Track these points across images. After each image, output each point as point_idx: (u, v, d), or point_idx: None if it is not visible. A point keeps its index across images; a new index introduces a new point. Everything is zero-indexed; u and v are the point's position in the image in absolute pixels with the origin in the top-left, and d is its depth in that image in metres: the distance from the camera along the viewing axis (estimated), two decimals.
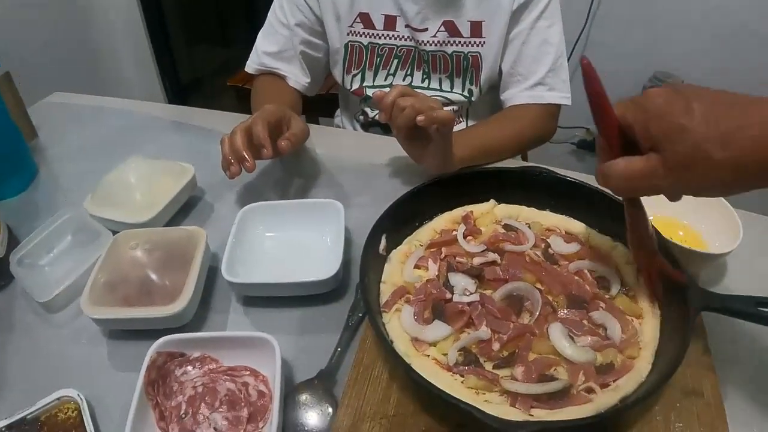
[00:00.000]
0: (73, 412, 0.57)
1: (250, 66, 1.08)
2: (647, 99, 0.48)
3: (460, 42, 0.99)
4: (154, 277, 0.69)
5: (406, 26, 1.00)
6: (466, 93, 1.05)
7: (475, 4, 0.96)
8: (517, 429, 0.47)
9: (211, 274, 0.73)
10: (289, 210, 0.79)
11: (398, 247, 0.70)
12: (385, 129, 1.10)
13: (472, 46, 0.99)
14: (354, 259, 0.74)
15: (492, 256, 0.67)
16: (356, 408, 0.55)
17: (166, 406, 0.57)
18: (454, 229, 0.71)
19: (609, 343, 0.57)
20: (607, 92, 0.49)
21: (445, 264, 0.67)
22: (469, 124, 1.10)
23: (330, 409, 0.56)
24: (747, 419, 0.55)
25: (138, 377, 0.56)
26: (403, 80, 1.06)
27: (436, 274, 0.66)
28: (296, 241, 0.77)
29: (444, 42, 0.99)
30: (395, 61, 1.04)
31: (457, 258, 0.68)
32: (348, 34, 1.03)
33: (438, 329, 0.59)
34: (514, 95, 1.00)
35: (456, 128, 0.79)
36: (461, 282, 0.64)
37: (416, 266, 0.67)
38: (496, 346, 0.57)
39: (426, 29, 0.99)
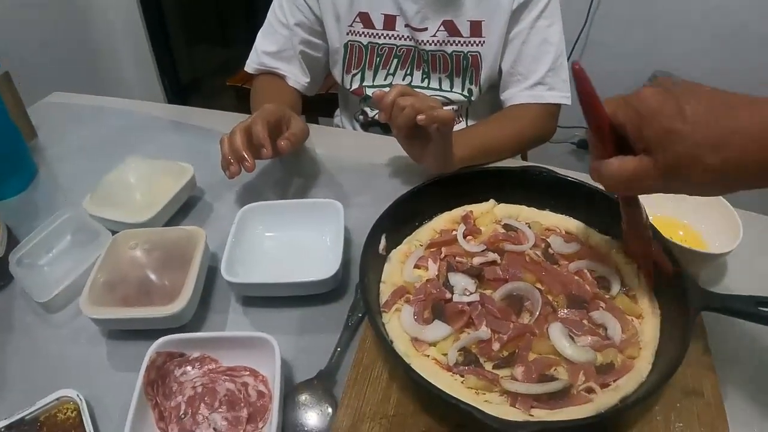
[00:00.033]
0: (72, 412, 0.57)
1: (250, 66, 1.08)
2: (639, 100, 0.47)
3: (459, 41, 0.99)
4: (153, 277, 0.68)
5: (406, 26, 1.00)
6: (465, 93, 1.05)
7: (474, 3, 0.96)
8: (517, 429, 0.47)
9: (211, 274, 0.73)
10: (288, 210, 0.78)
11: (398, 247, 0.70)
12: (384, 129, 1.10)
13: (472, 45, 0.99)
14: (354, 258, 0.74)
15: (492, 255, 0.67)
16: (356, 408, 0.55)
17: (166, 406, 0.57)
18: (454, 229, 0.71)
19: (609, 343, 0.57)
20: (603, 92, 0.49)
21: (444, 264, 0.66)
22: (468, 124, 1.10)
23: (330, 410, 0.56)
24: (747, 419, 0.55)
25: (137, 377, 0.56)
26: (403, 80, 1.06)
27: (436, 273, 0.66)
28: (296, 241, 0.77)
29: (444, 41, 0.99)
30: (395, 60, 1.04)
31: (456, 258, 0.67)
32: (347, 34, 1.03)
33: (438, 329, 0.59)
34: (514, 95, 1.00)
35: (456, 128, 0.79)
36: (461, 282, 0.64)
37: (416, 266, 0.67)
38: (496, 346, 0.57)
39: (426, 29, 0.98)
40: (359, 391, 0.56)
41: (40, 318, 0.70)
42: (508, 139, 0.94)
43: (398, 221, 0.70)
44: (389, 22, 1.00)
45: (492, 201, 0.75)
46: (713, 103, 0.44)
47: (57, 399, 0.57)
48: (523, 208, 0.74)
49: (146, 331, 0.63)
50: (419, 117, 0.71)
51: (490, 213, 0.74)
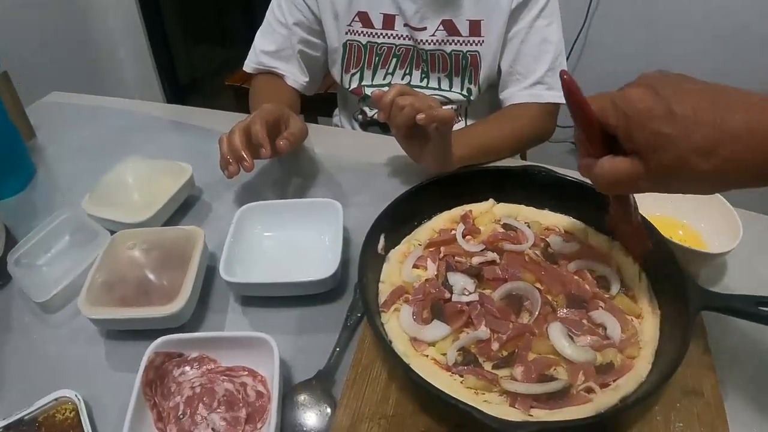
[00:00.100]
0: (70, 412, 0.57)
1: (249, 65, 1.08)
2: (626, 101, 0.46)
3: (458, 41, 0.99)
4: (151, 277, 0.68)
5: (405, 25, 0.99)
6: (464, 92, 1.05)
7: (473, 3, 0.96)
8: (517, 429, 0.47)
9: (209, 273, 0.73)
10: (287, 209, 0.78)
11: (397, 247, 0.70)
12: (383, 128, 1.10)
13: (471, 45, 0.99)
14: (352, 258, 0.73)
15: (491, 255, 0.67)
16: (355, 408, 0.55)
17: (164, 406, 0.57)
18: (453, 229, 0.71)
19: (609, 342, 0.57)
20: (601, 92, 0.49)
21: (443, 263, 0.66)
22: (468, 124, 1.10)
23: (328, 410, 0.56)
24: (747, 419, 0.55)
25: (136, 378, 0.56)
26: (402, 79, 1.06)
27: (435, 273, 0.66)
28: (294, 241, 0.77)
29: (443, 41, 0.99)
30: (394, 60, 1.04)
31: (456, 257, 0.67)
32: (346, 33, 1.03)
33: (437, 329, 0.59)
34: (513, 94, 1.00)
35: (455, 127, 0.79)
36: (460, 281, 0.63)
37: (415, 266, 0.67)
38: (495, 345, 0.57)
39: (425, 28, 0.98)
40: (358, 391, 0.56)
41: (38, 318, 0.70)
42: (508, 139, 0.93)
43: (397, 221, 0.70)
44: (388, 21, 1.00)
45: (491, 200, 0.75)
46: (703, 103, 0.43)
47: (55, 399, 0.57)
48: (523, 207, 0.74)
49: (145, 331, 0.63)
50: (419, 116, 0.71)
51: (490, 212, 0.74)
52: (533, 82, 0.98)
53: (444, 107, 0.75)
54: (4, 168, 0.89)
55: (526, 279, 0.63)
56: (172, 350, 0.60)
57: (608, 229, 0.66)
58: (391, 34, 1.01)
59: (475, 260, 0.66)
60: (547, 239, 0.69)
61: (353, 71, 1.07)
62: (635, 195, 0.58)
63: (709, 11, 1.73)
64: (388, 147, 0.89)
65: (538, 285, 0.63)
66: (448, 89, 1.05)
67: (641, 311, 0.60)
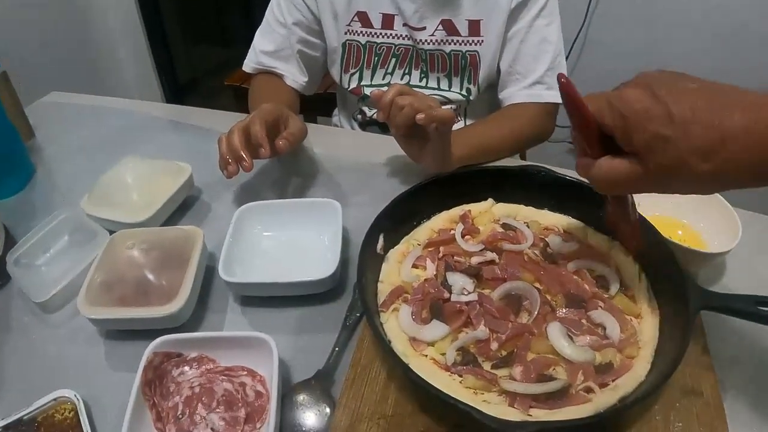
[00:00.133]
0: (69, 412, 0.57)
1: (248, 65, 1.08)
2: (623, 102, 0.46)
3: (458, 41, 0.99)
4: (150, 276, 0.68)
5: (404, 25, 0.99)
6: (464, 92, 1.05)
7: (472, 2, 0.96)
8: (516, 429, 0.47)
9: (209, 273, 0.73)
10: (286, 209, 0.78)
11: (396, 247, 0.69)
12: (383, 128, 1.10)
13: (470, 44, 0.99)
14: (352, 258, 0.73)
15: (490, 255, 0.67)
16: (354, 408, 0.55)
17: (163, 406, 0.57)
18: (452, 229, 0.71)
19: (608, 342, 0.57)
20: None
21: (443, 263, 0.66)
22: (467, 123, 1.10)
23: (328, 410, 0.56)
24: (747, 419, 0.55)
25: (135, 377, 0.56)
26: (401, 79, 1.05)
27: (434, 273, 0.65)
28: (294, 241, 0.77)
29: (442, 41, 0.99)
30: (393, 60, 1.04)
31: (455, 257, 0.67)
32: (346, 33, 1.03)
33: (436, 329, 0.59)
34: (513, 94, 1.00)
35: (454, 127, 0.79)
36: (459, 281, 0.63)
37: (414, 266, 0.67)
38: (494, 345, 0.57)
39: (424, 28, 0.98)
40: (357, 391, 0.56)
41: (37, 318, 0.70)
42: (507, 139, 0.93)
43: (396, 221, 0.70)
44: (387, 21, 1.00)
45: (490, 200, 0.75)
46: (701, 102, 0.43)
47: (54, 399, 0.57)
48: (522, 207, 0.74)
49: (144, 331, 0.63)
50: (418, 116, 0.71)
51: (489, 212, 0.74)
52: (532, 81, 0.98)
53: (443, 107, 0.75)
54: (4, 168, 0.89)
55: (525, 279, 0.63)
56: (171, 350, 0.60)
57: (606, 226, 0.66)
58: (391, 34, 1.01)
59: (474, 260, 0.66)
60: (546, 239, 0.69)
61: (352, 71, 1.07)
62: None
63: (708, 10, 1.73)
64: (388, 147, 0.89)
65: (537, 285, 0.63)
66: (448, 89, 1.05)
67: (640, 311, 0.60)
